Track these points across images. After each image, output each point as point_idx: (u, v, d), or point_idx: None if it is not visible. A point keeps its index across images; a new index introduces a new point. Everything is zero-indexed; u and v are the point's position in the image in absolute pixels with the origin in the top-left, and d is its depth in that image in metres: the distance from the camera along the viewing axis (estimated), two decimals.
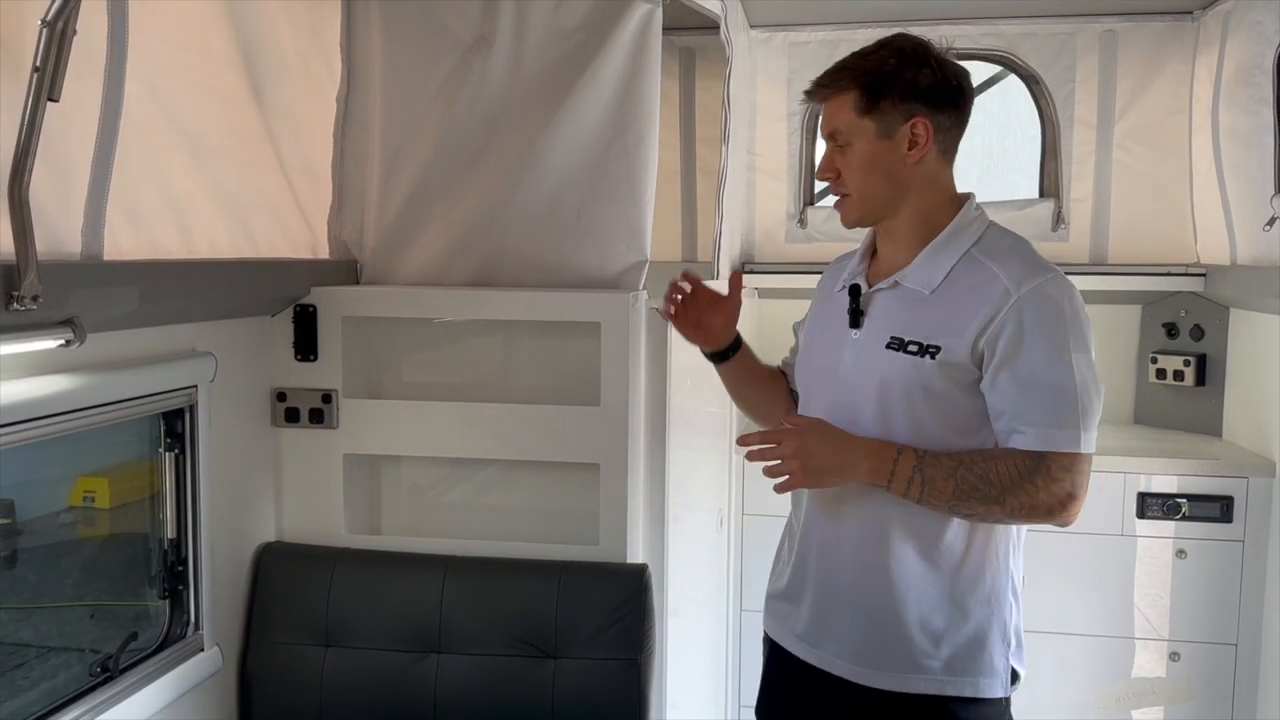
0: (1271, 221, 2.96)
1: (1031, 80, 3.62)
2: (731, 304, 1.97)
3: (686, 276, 1.98)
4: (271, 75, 2.24)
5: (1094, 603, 3.22)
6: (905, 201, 1.73)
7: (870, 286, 1.79)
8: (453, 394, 2.45)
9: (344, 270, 2.54)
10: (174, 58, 1.95)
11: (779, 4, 3.50)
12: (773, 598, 1.97)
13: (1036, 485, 1.62)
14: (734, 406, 3.22)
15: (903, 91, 1.67)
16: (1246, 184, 3.13)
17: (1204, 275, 3.49)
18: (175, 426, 2.07)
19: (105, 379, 1.79)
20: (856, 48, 1.75)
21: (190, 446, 2.08)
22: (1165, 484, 3.16)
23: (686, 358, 2.46)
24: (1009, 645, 1.75)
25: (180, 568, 2.10)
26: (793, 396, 2.00)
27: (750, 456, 1.77)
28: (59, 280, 1.57)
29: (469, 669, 2.22)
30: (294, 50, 2.35)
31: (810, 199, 3.82)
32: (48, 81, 1.44)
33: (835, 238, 3.77)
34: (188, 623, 2.13)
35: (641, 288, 2.38)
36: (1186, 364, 3.53)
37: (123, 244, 1.80)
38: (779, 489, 1.73)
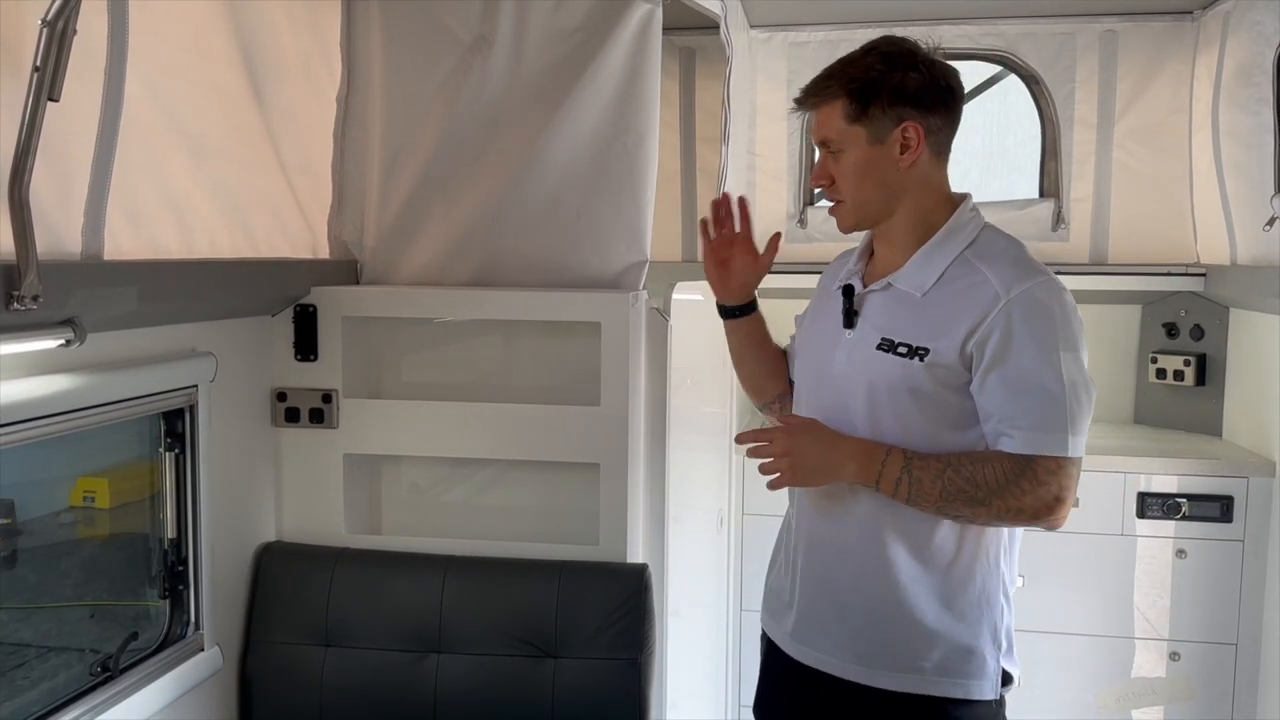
0: (1271, 221, 2.96)
1: (1031, 80, 3.62)
2: (763, 262, 1.96)
3: (741, 203, 1.95)
4: (271, 75, 2.24)
5: (1094, 603, 3.22)
6: (900, 204, 1.74)
7: (865, 286, 1.80)
8: (453, 394, 2.45)
9: (344, 270, 2.54)
10: (174, 58, 1.95)
11: (779, 4, 3.50)
12: (768, 595, 1.99)
13: (1023, 489, 1.62)
14: (734, 406, 3.24)
15: (891, 96, 1.67)
16: (1246, 184, 3.13)
17: (1204, 275, 3.49)
18: (175, 426, 2.07)
19: (105, 379, 1.79)
20: (856, 48, 1.75)
21: (190, 446, 2.08)
22: (1165, 484, 3.16)
23: (686, 358, 2.46)
24: (1000, 647, 1.75)
25: (180, 567, 2.10)
26: (791, 384, 2.01)
27: (748, 453, 1.79)
28: (59, 280, 1.57)
29: (469, 669, 2.22)
30: (294, 50, 2.35)
31: (810, 199, 3.82)
32: (48, 81, 1.44)
33: (835, 238, 3.70)
34: (188, 623, 2.13)
35: (641, 288, 2.38)
36: (1186, 364, 3.53)
37: (123, 244, 1.80)
38: (770, 486, 1.75)
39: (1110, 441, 3.38)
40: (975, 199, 1.79)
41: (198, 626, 2.14)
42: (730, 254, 1.96)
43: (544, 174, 2.41)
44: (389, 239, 2.54)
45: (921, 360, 1.67)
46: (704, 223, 1.98)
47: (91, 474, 2.04)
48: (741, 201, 1.96)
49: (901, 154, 1.70)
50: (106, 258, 1.75)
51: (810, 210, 3.80)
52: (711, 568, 3.12)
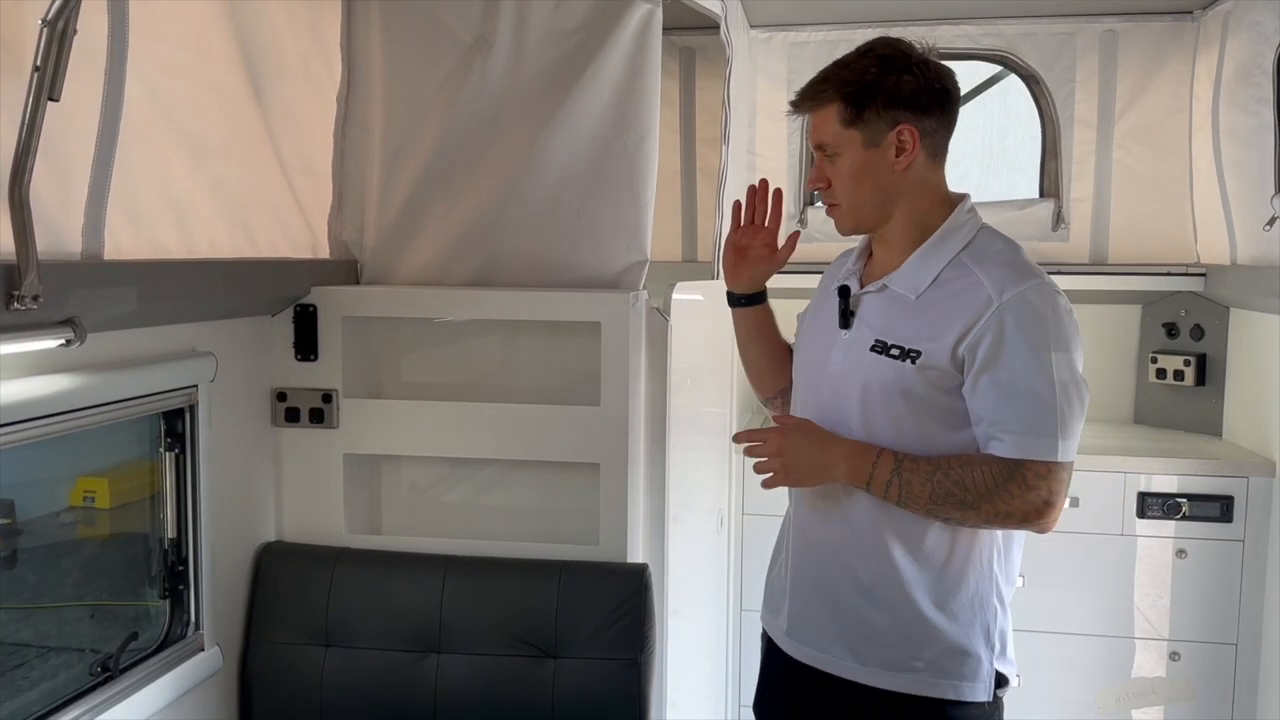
0: (1271, 221, 2.96)
1: (1031, 80, 3.62)
2: (779, 258, 1.98)
3: (777, 195, 1.98)
4: (271, 75, 2.24)
5: (1094, 603, 3.22)
6: (897, 207, 1.74)
7: (863, 287, 1.80)
8: (453, 394, 2.45)
9: (344, 270, 2.54)
10: (174, 58, 1.95)
11: (779, 4, 3.50)
12: (767, 592, 2.00)
13: (1011, 493, 1.63)
14: (734, 406, 3.24)
15: (886, 100, 1.68)
16: (1246, 184, 3.13)
17: (1204, 275, 3.49)
18: (175, 426, 2.07)
19: (105, 379, 1.79)
20: (854, 49, 1.75)
21: (190, 446, 2.08)
22: (1165, 484, 3.16)
23: (686, 358, 2.46)
24: (994, 649, 1.75)
25: (180, 567, 2.11)
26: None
27: (745, 453, 1.80)
28: (59, 280, 1.57)
29: (469, 669, 2.22)
30: (294, 50, 2.35)
31: (810, 199, 3.82)
32: (48, 81, 1.44)
33: (834, 238, 3.70)
34: (188, 622, 2.13)
35: (641, 288, 2.38)
36: (1186, 364, 3.53)
37: (123, 244, 1.80)
38: (764, 485, 1.77)
39: (1110, 441, 3.38)
40: (975, 199, 1.79)
41: (198, 626, 2.14)
42: (751, 243, 1.97)
43: (544, 174, 2.41)
44: (389, 239, 2.54)
45: (913, 363, 1.68)
46: (737, 205, 1.99)
47: (91, 474, 2.04)
48: (778, 194, 1.98)
49: (897, 157, 1.70)
50: (107, 258, 1.75)
51: (810, 210, 3.80)
52: (711, 568, 3.12)
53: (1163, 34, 3.50)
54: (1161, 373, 3.60)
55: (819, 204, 3.77)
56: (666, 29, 2.39)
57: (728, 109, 3.09)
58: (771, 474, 1.75)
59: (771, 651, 1.95)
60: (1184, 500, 3.13)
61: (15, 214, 1.47)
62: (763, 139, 3.78)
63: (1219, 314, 3.47)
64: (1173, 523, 3.15)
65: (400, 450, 2.47)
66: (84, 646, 1.98)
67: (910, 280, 1.73)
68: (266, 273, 2.28)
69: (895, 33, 1.77)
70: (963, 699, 1.72)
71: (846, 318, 1.79)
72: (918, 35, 1.74)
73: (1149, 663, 3.21)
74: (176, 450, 2.07)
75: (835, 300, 1.82)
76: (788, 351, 2.04)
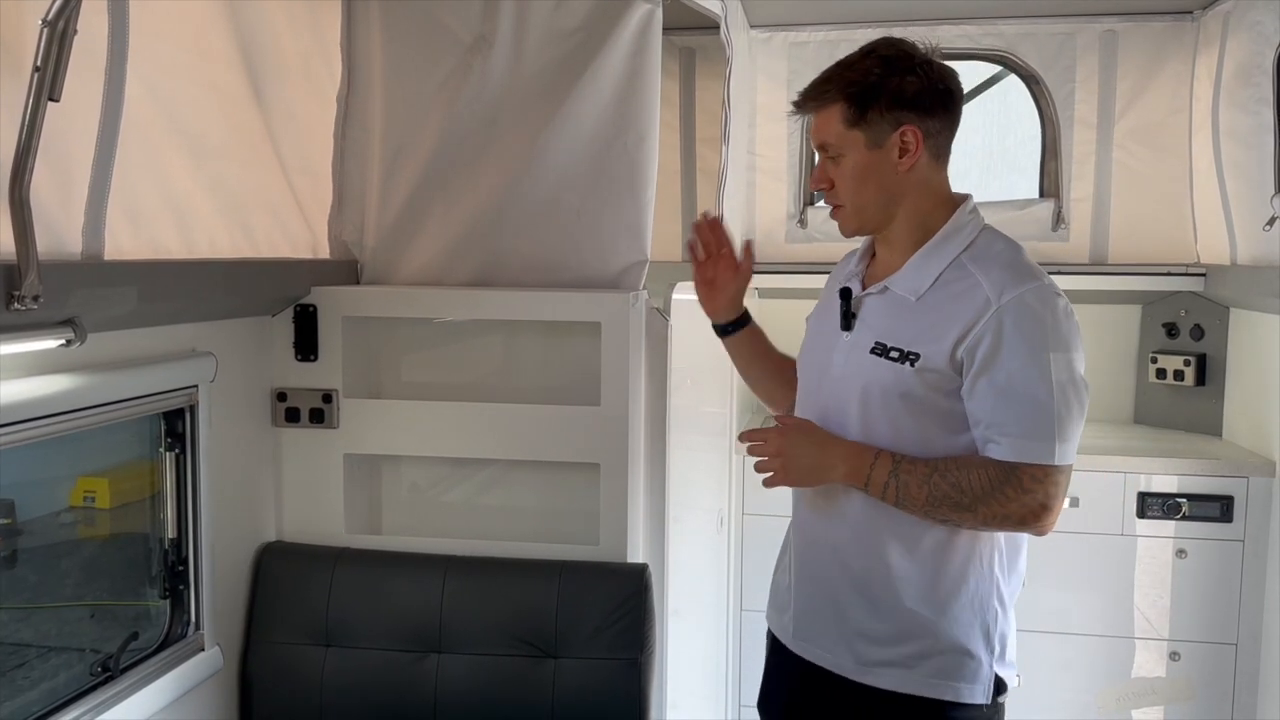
0: (1271, 221, 2.96)
1: (1031, 80, 3.62)
2: (744, 269, 2.03)
3: (713, 220, 2.04)
4: (271, 75, 2.24)
5: (1094, 603, 3.22)
6: (900, 208, 1.74)
7: (865, 288, 1.80)
8: (453, 394, 2.45)
9: (344, 270, 2.54)
10: (174, 58, 1.95)
11: (779, 4, 3.50)
12: (773, 591, 2.00)
13: (1008, 495, 1.63)
14: (734, 406, 3.24)
15: (889, 100, 1.67)
16: (1246, 184, 3.13)
17: (1204, 275, 3.49)
18: (175, 426, 2.07)
19: (105, 379, 1.79)
20: (856, 48, 1.75)
21: (190, 446, 2.08)
22: (1165, 484, 3.16)
23: (686, 358, 2.46)
24: (993, 652, 1.74)
25: (181, 567, 2.10)
26: None
27: (748, 451, 1.82)
28: (60, 280, 1.57)
29: (469, 669, 2.22)
30: (294, 50, 2.35)
31: (810, 199, 3.82)
32: (48, 81, 1.44)
33: (835, 238, 3.70)
34: (188, 622, 2.13)
35: (641, 288, 2.38)
36: (1186, 364, 3.53)
37: (123, 244, 1.80)
38: (765, 484, 1.78)
39: (1110, 441, 3.38)
40: (975, 199, 1.79)
41: (198, 626, 2.14)
42: (715, 271, 2.03)
43: (544, 174, 2.41)
44: (389, 239, 2.54)
45: (913, 365, 1.67)
46: (691, 243, 2.04)
47: (92, 474, 2.04)
48: (714, 220, 2.05)
49: (900, 158, 1.70)
50: (107, 258, 1.75)
51: (810, 210, 3.80)
52: (711, 568, 3.12)
53: (1163, 34, 3.50)
54: (1161, 373, 3.60)
55: (819, 204, 3.81)
56: (666, 29, 2.39)
57: (728, 109, 3.09)
58: (772, 473, 1.76)
59: (776, 650, 1.96)
60: (1184, 500, 3.13)
61: (15, 214, 1.47)
62: (763, 139, 3.78)
63: (1219, 314, 3.47)
64: (1173, 523, 3.15)
65: (400, 450, 2.47)
66: (84, 646, 1.98)
67: (911, 282, 1.73)
68: (266, 273, 2.28)
69: (895, 33, 1.77)
70: (960, 700, 1.72)
71: (848, 320, 1.79)
72: (918, 35, 1.74)
73: (1149, 663, 3.21)
74: (177, 450, 2.07)
75: (837, 302, 1.82)
76: (791, 365, 2.04)
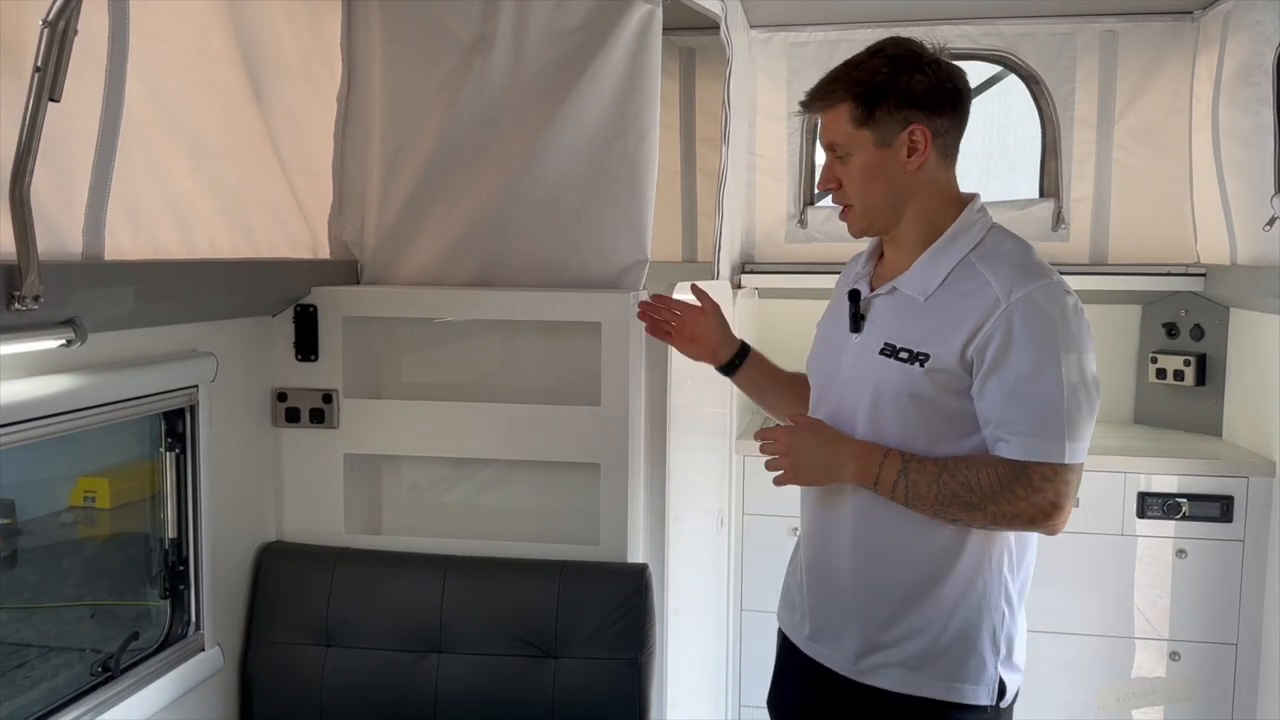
0: (1271, 221, 2.96)
1: (1031, 80, 3.62)
2: (709, 306, 2.07)
3: (652, 299, 2.12)
4: (271, 75, 2.24)
5: (1094, 603, 3.22)
6: (908, 207, 1.73)
7: (873, 290, 1.80)
8: (453, 394, 2.45)
9: (344, 270, 2.54)
10: (174, 58, 1.95)
11: (779, 4, 3.51)
12: (784, 590, 2.00)
13: (1017, 494, 1.62)
14: (734, 406, 3.24)
15: (898, 99, 1.67)
16: (1246, 184, 3.13)
17: (1204, 275, 3.49)
18: (176, 426, 2.07)
19: (106, 379, 1.79)
20: (856, 48, 1.75)
21: (191, 446, 2.08)
22: (1165, 484, 3.16)
23: (686, 358, 2.46)
24: (999, 653, 1.73)
25: (181, 567, 2.11)
26: None
27: (760, 449, 1.81)
28: (60, 280, 1.57)
29: (469, 669, 2.22)
30: (294, 50, 2.35)
31: (810, 199, 3.82)
32: (49, 82, 1.44)
33: (835, 238, 3.77)
34: (188, 622, 2.13)
35: (641, 288, 2.38)
36: (1186, 364, 3.53)
37: (123, 244, 1.80)
38: (775, 483, 1.79)
39: (1110, 441, 3.38)
40: (980, 200, 1.78)
41: (198, 626, 2.14)
42: (689, 328, 2.08)
43: (544, 174, 2.41)
44: (389, 239, 2.54)
45: (922, 366, 1.67)
46: (653, 330, 2.12)
47: (92, 474, 2.05)
48: (654, 298, 2.13)
49: (909, 157, 1.69)
50: (107, 258, 1.75)
51: (810, 210, 3.80)
52: (711, 568, 3.12)
53: (1163, 34, 3.50)
54: (1161, 373, 3.60)
55: (819, 204, 3.81)
56: (666, 29, 2.39)
57: (728, 109, 3.09)
58: (781, 472, 1.77)
59: (787, 649, 1.96)
60: (1184, 500, 3.13)
61: (16, 214, 1.47)
62: (763, 139, 3.79)
63: (1219, 314, 3.47)
64: (1173, 523, 3.15)
65: (400, 450, 2.47)
66: (84, 646, 1.98)
67: (919, 282, 1.72)
68: (267, 273, 2.28)
69: (896, 33, 1.77)
70: (965, 701, 1.71)
71: (857, 322, 1.79)
72: (919, 35, 1.73)
73: (1149, 663, 3.21)
74: (177, 450, 2.07)
75: (847, 304, 1.81)
76: (803, 381, 2.03)
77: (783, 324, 3.78)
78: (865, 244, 1.91)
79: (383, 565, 2.33)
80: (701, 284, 2.15)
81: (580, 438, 2.32)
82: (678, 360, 2.38)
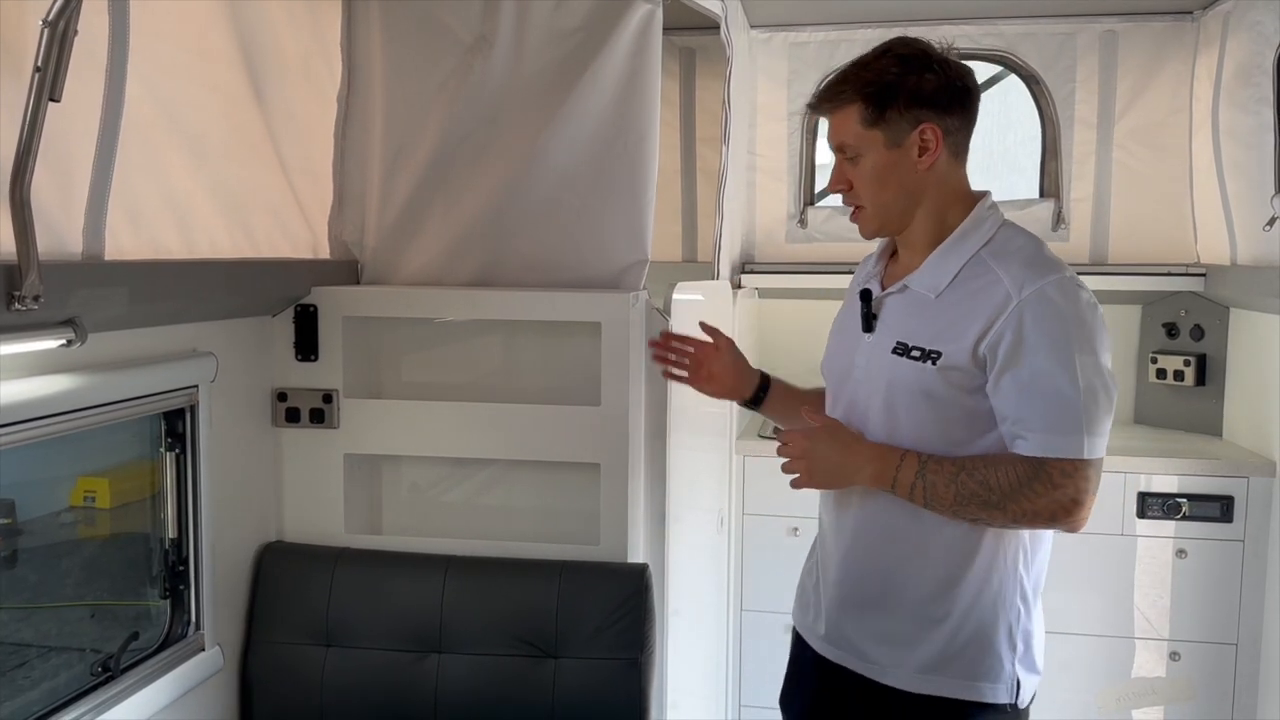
0: (1271, 221, 2.96)
1: (1031, 80, 3.62)
2: (721, 342, 2.05)
3: (662, 336, 2.10)
4: (271, 75, 2.24)
5: (1094, 603, 3.22)
6: (920, 207, 1.73)
7: (885, 289, 1.79)
8: (453, 394, 2.45)
9: (344, 270, 2.54)
10: (175, 58, 1.95)
11: (779, 4, 3.50)
12: (799, 590, 2.00)
13: (1037, 491, 1.61)
14: (734, 406, 3.24)
15: (908, 99, 1.66)
16: (1246, 184, 3.13)
17: (1204, 275, 3.49)
18: (176, 426, 2.07)
19: (106, 379, 1.79)
20: (857, 48, 1.75)
21: (191, 446, 2.08)
22: (1165, 484, 3.16)
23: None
24: (1016, 651, 1.73)
25: (181, 567, 2.11)
26: None
27: (777, 452, 1.80)
28: (60, 280, 1.57)
29: (469, 669, 2.22)
30: (294, 50, 2.35)
31: (810, 199, 3.82)
32: (49, 82, 1.44)
33: (835, 238, 3.78)
34: (188, 622, 2.13)
35: (642, 287, 2.38)
36: (1186, 364, 3.53)
37: (123, 244, 1.80)
38: (791, 486, 1.77)
39: (1110, 441, 3.34)
40: (991, 198, 1.78)
41: (198, 626, 2.14)
42: (705, 366, 2.05)
43: (544, 174, 2.41)
44: (389, 239, 2.54)
45: (934, 364, 1.66)
46: (669, 373, 2.10)
47: (92, 474, 2.04)
48: (663, 335, 2.10)
49: (920, 156, 1.68)
50: (107, 258, 1.75)
51: (810, 210, 3.80)
52: (711, 568, 3.12)
53: (1163, 34, 3.50)
54: (1161, 373, 3.60)
55: (819, 204, 3.81)
56: (666, 29, 2.39)
57: (728, 109, 3.09)
58: (797, 475, 1.75)
59: (800, 649, 1.96)
60: (1184, 500, 3.13)
61: (16, 214, 1.47)
62: (763, 139, 3.78)
63: (1219, 314, 3.47)
64: (1173, 523, 3.15)
65: (400, 450, 2.47)
66: (85, 646, 1.98)
67: (930, 279, 1.71)
68: (267, 273, 2.28)
69: (896, 33, 1.77)
70: (984, 700, 1.71)
71: (869, 321, 1.78)
72: (923, 35, 1.73)
73: (1149, 663, 3.21)
74: (177, 450, 2.07)
75: (859, 304, 1.81)
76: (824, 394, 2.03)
77: (783, 324, 3.78)
78: (875, 244, 1.90)
79: (383, 565, 2.33)
80: (702, 284, 2.14)
81: (580, 438, 2.32)
82: None
